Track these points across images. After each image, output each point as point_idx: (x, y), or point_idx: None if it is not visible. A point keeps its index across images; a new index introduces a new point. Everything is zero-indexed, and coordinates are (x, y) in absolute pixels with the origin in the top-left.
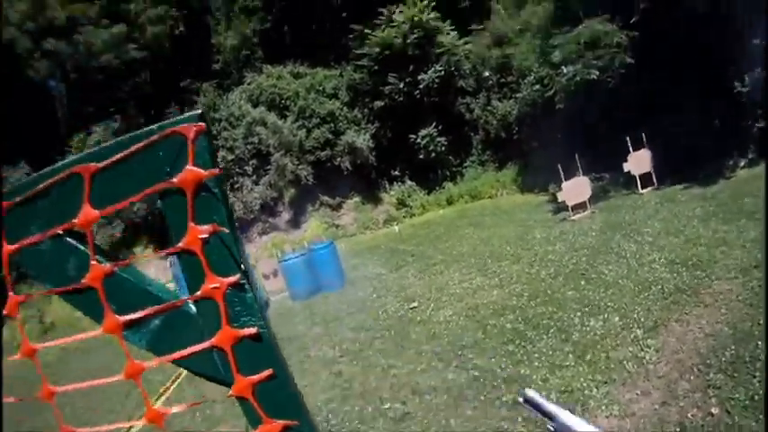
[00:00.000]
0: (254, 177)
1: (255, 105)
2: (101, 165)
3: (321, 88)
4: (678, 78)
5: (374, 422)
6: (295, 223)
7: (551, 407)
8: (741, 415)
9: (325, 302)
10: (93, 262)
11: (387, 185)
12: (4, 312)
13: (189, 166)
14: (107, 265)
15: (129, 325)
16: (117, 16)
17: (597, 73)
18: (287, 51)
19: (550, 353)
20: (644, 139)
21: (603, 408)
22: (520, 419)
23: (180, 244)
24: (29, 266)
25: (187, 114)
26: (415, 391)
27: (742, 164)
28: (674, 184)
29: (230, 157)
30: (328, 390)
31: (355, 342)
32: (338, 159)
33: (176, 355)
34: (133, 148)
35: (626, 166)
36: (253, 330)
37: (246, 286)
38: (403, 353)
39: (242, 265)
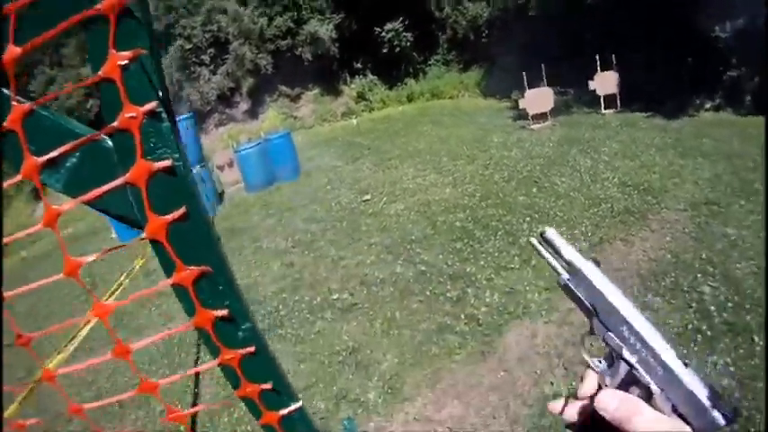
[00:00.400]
0: (212, 67)
1: None
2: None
3: None
4: (658, 10)
5: (322, 312)
6: (252, 114)
7: (573, 252)
8: (673, 341)
9: (280, 193)
10: (13, 103)
11: (348, 78)
12: None
13: None
14: (27, 104)
15: (47, 166)
16: None
17: None
18: None
19: (497, 254)
20: (614, 62)
21: (543, 314)
22: (462, 316)
23: (100, 72)
24: None
25: None
26: (363, 283)
27: (707, 106)
28: (637, 111)
29: (188, 45)
30: (279, 280)
31: (307, 233)
32: (299, 49)
33: (90, 194)
34: None
35: (591, 85)
36: (167, 162)
37: (163, 115)
38: (353, 244)
39: (160, 93)
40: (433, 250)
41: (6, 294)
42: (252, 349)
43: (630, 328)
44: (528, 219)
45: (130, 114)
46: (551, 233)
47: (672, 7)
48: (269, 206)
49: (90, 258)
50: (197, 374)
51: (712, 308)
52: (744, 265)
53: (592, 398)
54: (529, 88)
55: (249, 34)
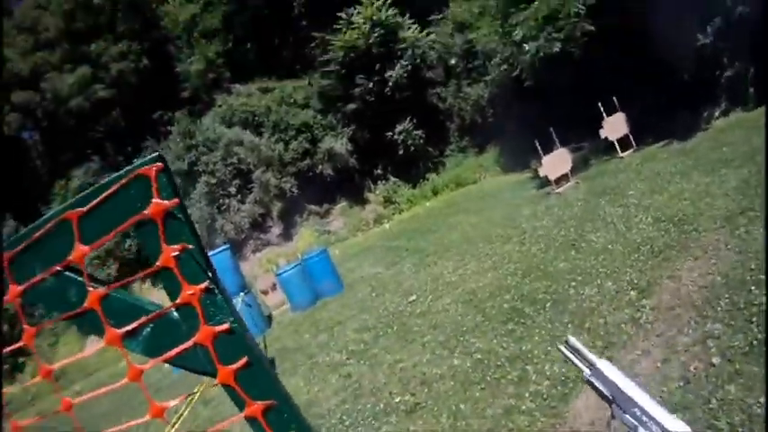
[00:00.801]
0: (239, 197)
1: (230, 126)
2: (84, 209)
3: (292, 100)
4: (641, 39)
5: (387, 417)
6: (286, 236)
7: (591, 355)
8: (742, 361)
9: (326, 309)
10: (89, 288)
11: (371, 185)
12: (23, 343)
13: (155, 200)
14: (101, 289)
15: (127, 336)
16: (80, 59)
17: (560, 45)
18: (253, 69)
19: (549, 326)
20: (616, 104)
21: None
22: (527, 395)
23: (158, 263)
24: (37, 302)
25: (148, 158)
26: (423, 382)
27: (716, 114)
28: (652, 144)
29: (213, 180)
30: (340, 392)
31: (360, 343)
32: (319, 167)
33: (167, 355)
34: (108, 191)
35: (602, 133)
36: (225, 326)
37: (215, 290)
38: (407, 346)
39: (209, 273)
40: (486, 337)
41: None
42: None
43: (641, 408)
44: (573, 283)
45: (189, 292)
46: (573, 341)
47: (649, 36)
48: (318, 323)
49: (149, 366)
50: None
51: None
52: None
53: None
54: (544, 154)
55: (269, 161)
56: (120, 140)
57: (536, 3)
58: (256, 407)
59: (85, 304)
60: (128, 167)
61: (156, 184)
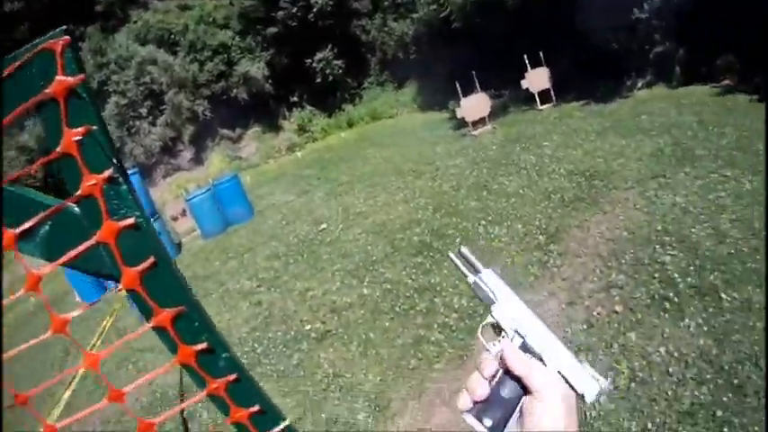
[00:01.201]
0: (150, 119)
1: (144, 44)
2: None
3: (211, 19)
4: (577, 1)
5: (298, 344)
6: (197, 160)
7: (479, 264)
8: (644, 312)
9: (237, 235)
10: None
11: (286, 112)
12: None
13: (59, 77)
14: None
15: (22, 237)
16: None
17: None
18: None
19: None
20: (542, 58)
21: None
22: (435, 326)
23: (58, 149)
24: None
25: (53, 32)
26: (332, 310)
27: (640, 84)
28: (572, 101)
29: (123, 101)
30: (251, 320)
31: (270, 270)
32: (234, 90)
33: (67, 256)
34: (8, 69)
35: (524, 83)
36: (131, 220)
37: (120, 179)
38: (317, 274)
39: (113, 160)
40: (396, 268)
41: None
42: (235, 376)
43: (521, 313)
44: (483, 222)
45: (91, 182)
46: (465, 250)
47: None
48: (228, 250)
49: (75, 313)
50: (185, 423)
51: (675, 275)
52: (698, 228)
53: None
54: (464, 96)
55: (183, 82)
56: None
57: None
58: (165, 315)
59: None
60: (30, 43)
61: (61, 60)
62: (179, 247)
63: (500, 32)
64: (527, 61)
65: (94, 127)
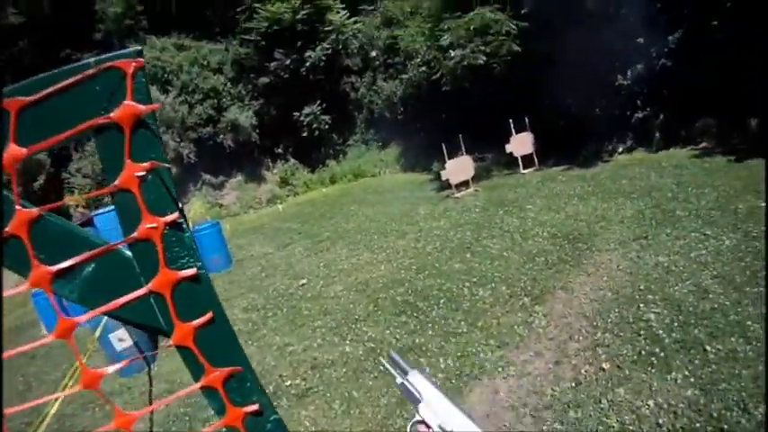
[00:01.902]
0: None
1: None
2: (30, 98)
3: (206, 62)
4: (563, 69)
5: (278, 400)
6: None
7: (407, 365)
8: (631, 368)
9: (214, 284)
10: (17, 207)
11: (270, 163)
12: None
13: (127, 101)
14: (34, 210)
15: (59, 276)
16: None
17: (484, 59)
18: (172, 22)
19: (443, 321)
20: (527, 123)
21: (500, 370)
22: None
23: (116, 182)
24: None
25: (126, 50)
26: (314, 366)
27: (620, 149)
28: (554, 166)
29: None
30: None
31: (248, 322)
32: (221, 137)
33: (111, 305)
34: (67, 81)
35: (508, 148)
36: (192, 271)
37: (184, 225)
38: (297, 330)
39: (179, 204)
40: (379, 326)
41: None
42: None
43: (445, 409)
44: (467, 284)
45: (151, 225)
46: (395, 355)
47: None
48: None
49: (84, 318)
50: None
51: (660, 331)
52: (681, 286)
53: None
54: (448, 158)
55: (171, 122)
56: (22, 75)
57: (471, 14)
58: (217, 374)
59: (8, 228)
60: (99, 57)
61: (131, 82)
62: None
63: (486, 97)
64: (512, 126)
65: (163, 164)
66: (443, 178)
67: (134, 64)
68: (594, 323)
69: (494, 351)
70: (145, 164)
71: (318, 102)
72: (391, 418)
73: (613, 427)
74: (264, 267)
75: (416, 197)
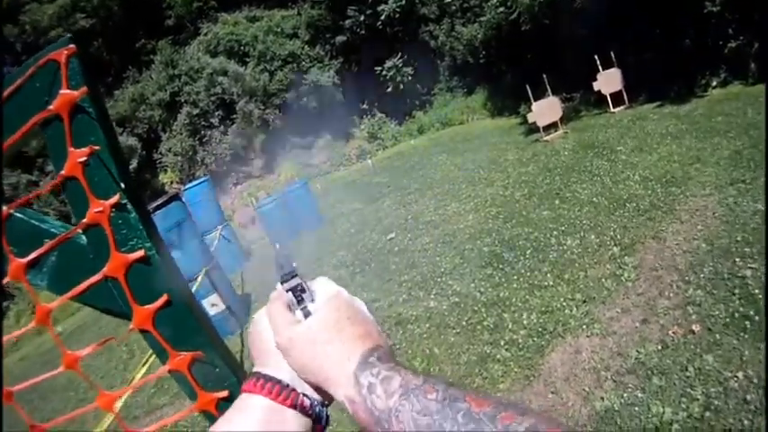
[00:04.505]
0: (222, 128)
1: (214, 55)
2: None
3: (280, 29)
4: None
5: None
6: (268, 169)
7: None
8: (722, 332)
9: (305, 243)
10: None
11: (356, 120)
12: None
13: (63, 90)
14: (3, 208)
15: (31, 266)
16: None
17: None
18: None
19: (529, 274)
20: (613, 58)
21: (584, 327)
22: (502, 343)
23: (63, 172)
24: None
25: (58, 41)
26: (398, 323)
27: (714, 83)
28: (645, 103)
29: (195, 111)
30: None
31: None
32: (304, 99)
33: (74, 291)
34: (13, 85)
35: (596, 86)
36: (140, 253)
37: (129, 206)
38: (384, 285)
39: (122, 184)
40: (464, 280)
41: (12, 389)
42: None
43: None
44: (555, 232)
45: (97, 209)
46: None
47: None
48: (295, 257)
49: (86, 351)
50: None
51: (756, 291)
52: None
53: None
54: (535, 101)
55: (253, 92)
56: (102, 72)
57: None
58: (181, 359)
59: None
60: (36, 54)
61: (65, 71)
62: (248, 255)
63: (568, 34)
64: (598, 62)
65: (98, 147)
66: (530, 121)
67: (66, 52)
68: (686, 278)
69: (579, 306)
70: (84, 149)
71: (399, 54)
72: (470, 377)
73: (698, 399)
74: (354, 223)
75: (505, 142)
